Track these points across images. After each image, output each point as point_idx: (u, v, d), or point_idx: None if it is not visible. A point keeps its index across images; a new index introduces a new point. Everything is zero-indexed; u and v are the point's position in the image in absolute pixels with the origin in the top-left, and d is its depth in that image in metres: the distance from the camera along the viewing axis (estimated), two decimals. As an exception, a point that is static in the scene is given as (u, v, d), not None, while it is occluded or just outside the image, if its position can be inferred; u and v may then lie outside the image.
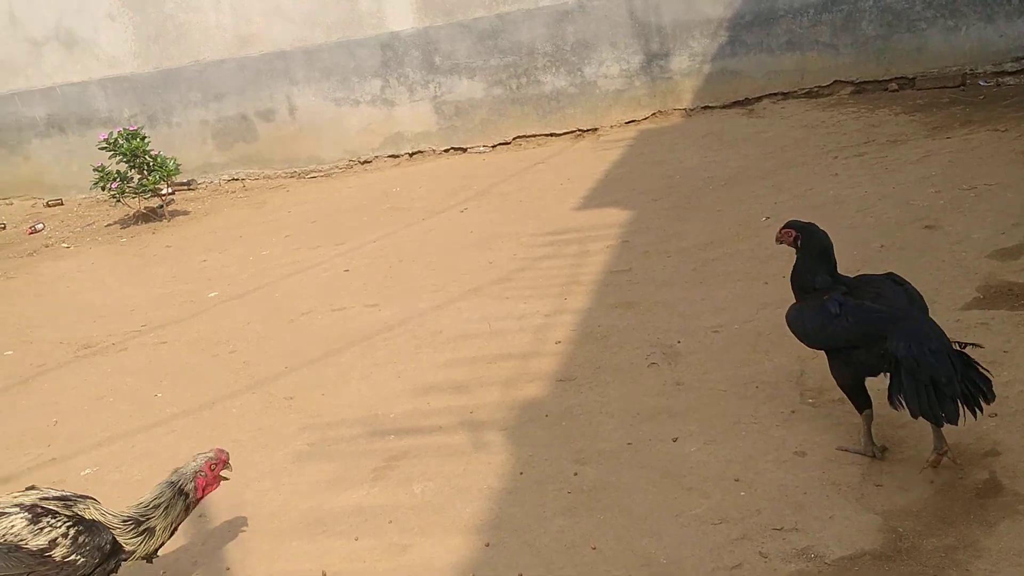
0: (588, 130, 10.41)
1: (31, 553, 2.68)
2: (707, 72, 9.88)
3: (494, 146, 10.76)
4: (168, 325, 6.58)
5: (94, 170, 9.74)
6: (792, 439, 3.75)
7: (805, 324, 3.55)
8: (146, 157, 9.66)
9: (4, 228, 10.71)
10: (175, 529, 3.09)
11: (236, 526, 3.75)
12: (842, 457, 3.55)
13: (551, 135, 10.55)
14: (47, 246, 9.77)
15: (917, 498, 3.23)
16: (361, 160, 11.16)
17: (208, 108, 11.19)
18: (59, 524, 2.77)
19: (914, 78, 9.03)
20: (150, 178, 9.71)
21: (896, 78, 9.11)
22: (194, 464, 3.11)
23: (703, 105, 9.99)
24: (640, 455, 3.85)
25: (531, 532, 3.44)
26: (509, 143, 10.71)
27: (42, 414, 5.28)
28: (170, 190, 10.61)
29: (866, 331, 3.28)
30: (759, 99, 9.66)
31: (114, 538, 2.90)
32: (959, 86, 8.75)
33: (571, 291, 5.88)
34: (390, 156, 11.06)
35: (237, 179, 11.33)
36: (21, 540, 2.68)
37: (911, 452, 3.50)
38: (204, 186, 11.32)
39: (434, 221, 8.36)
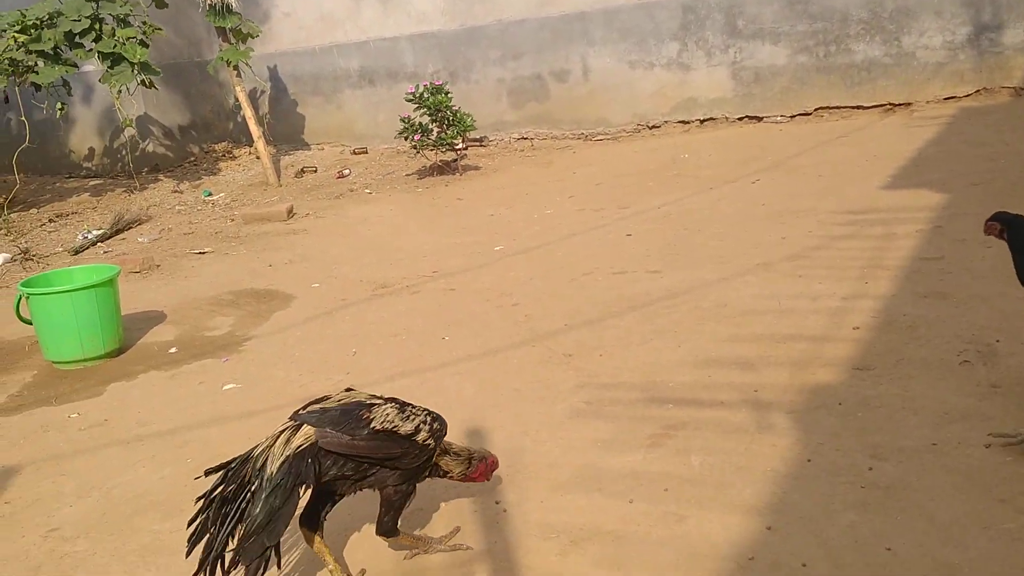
0: (900, 104, 9.65)
1: (403, 436, 3.03)
2: (1049, 46, 8.80)
3: (792, 116, 10.26)
4: (456, 273, 6.84)
5: (400, 120, 10.32)
6: None
7: None
8: (447, 112, 10.08)
9: (316, 171, 11.64)
10: (448, 474, 3.29)
11: (514, 470, 3.81)
12: None
13: (857, 108, 9.89)
14: (352, 190, 10.50)
15: None
16: (649, 125, 11.03)
17: (505, 67, 11.49)
18: (419, 413, 3.13)
19: None
20: (448, 132, 10.14)
21: None
22: (482, 454, 3.37)
23: (1039, 83, 8.93)
24: (946, 458, 3.48)
25: (817, 523, 3.20)
26: (810, 114, 10.16)
27: (343, 344, 5.66)
28: (464, 145, 11.04)
29: None
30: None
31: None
32: None
33: (873, 275, 5.45)
34: (680, 122, 10.85)
35: (526, 138, 11.58)
36: (395, 426, 3.02)
37: None
38: (495, 143, 11.67)
39: (723, 191, 8.09)
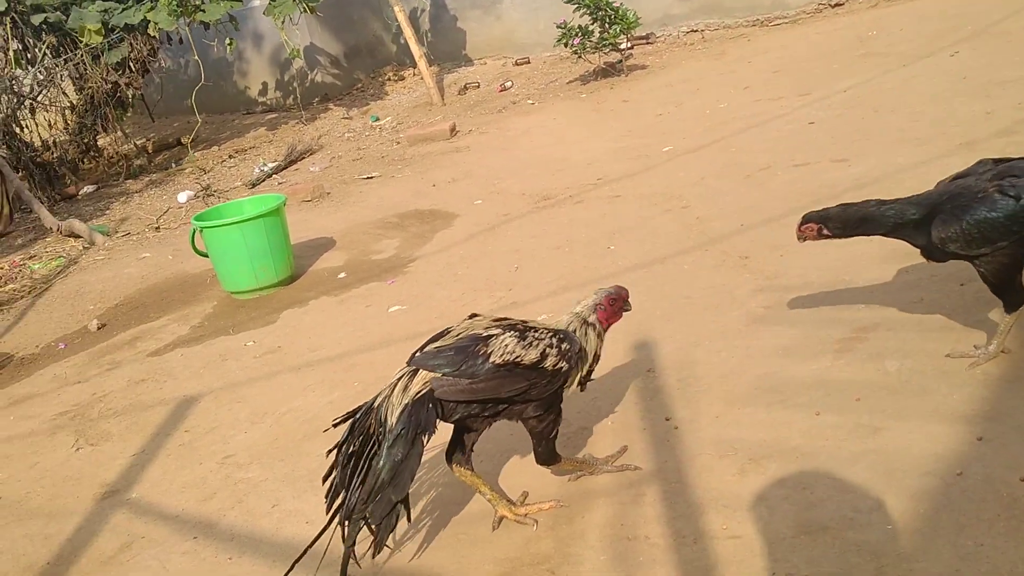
0: None
1: (527, 367, 2.74)
2: None
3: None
4: (622, 179, 6.49)
5: (557, 27, 9.91)
6: None
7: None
8: (608, 10, 9.57)
9: (478, 87, 11.43)
10: (597, 356, 2.97)
11: (685, 384, 3.52)
12: None
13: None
14: (514, 103, 10.23)
15: None
16: (832, 3, 10.10)
17: (669, -44, 10.78)
18: (543, 335, 2.80)
19: None
20: (611, 31, 9.64)
21: None
22: (594, 298, 3.03)
23: None
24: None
25: (1040, 432, 2.75)
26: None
27: (506, 260, 5.48)
28: (629, 44, 10.50)
29: None
30: None
31: (580, 346, 2.90)
32: None
33: (1101, 146, 4.70)
34: (872, -7, 9.84)
35: (696, 30, 10.88)
36: (517, 357, 2.72)
37: None
38: (662, 39, 11.04)
39: (917, 67, 7.27)
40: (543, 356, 2.76)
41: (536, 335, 2.80)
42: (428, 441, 2.71)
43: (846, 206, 3.33)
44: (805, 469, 2.85)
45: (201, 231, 5.92)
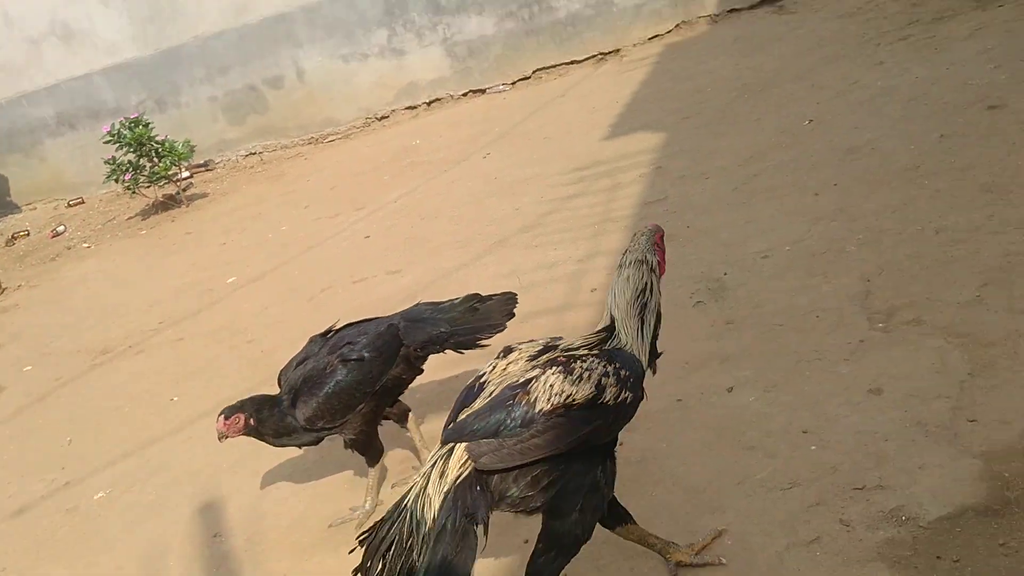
0: (610, 52, 9.79)
1: (585, 408, 2.24)
2: (730, -28, 9.16)
3: (514, 82, 10.20)
4: (186, 319, 6.25)
5: (105, 163, 9.44)
6: (864, 375, 3.25)
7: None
8: (152, 144, 9.30)
9: (28, 235, 10.49)
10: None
11: (254, 543, 3.38)
12: (926, 389, 3.05)
13: (572, 63, 9.95)
14: (69, 248, 9.52)
15: (1021, 433, 2.73)
16: (378, 116, 10.69)
17: (214, 83, 10.77)
18: (594, 365, 2.30)
19: (957, -56, 8.20)
20: (161, 164, 9.37)
21: (937, -53, 8.30)
22: (645, 238, 2.54)
23: (729, 8, 9.30)
24: (692, 412, 3.39)
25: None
26: (529, 77, 10.13)
27: (57, 433, 4.99)
28: (187, 173, 10.28)
29: None
30: (790, -8, 8.93)
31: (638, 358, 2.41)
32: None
33: (604, 230, 5.39)
34: (407, 108, 10.57)
35: (254, 153, 10.95)
36: (568, 397, 2.23)
37: (1006, 375, 2.99)
38: (222, 164, 10.95)
39: (456, 171, 7.89)
40: (600, 389, 2.27)
41: (584, 364, 2.30)
42: (482, 535, 2.22)
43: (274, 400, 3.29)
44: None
45: None
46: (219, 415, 3.19)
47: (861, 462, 2.82)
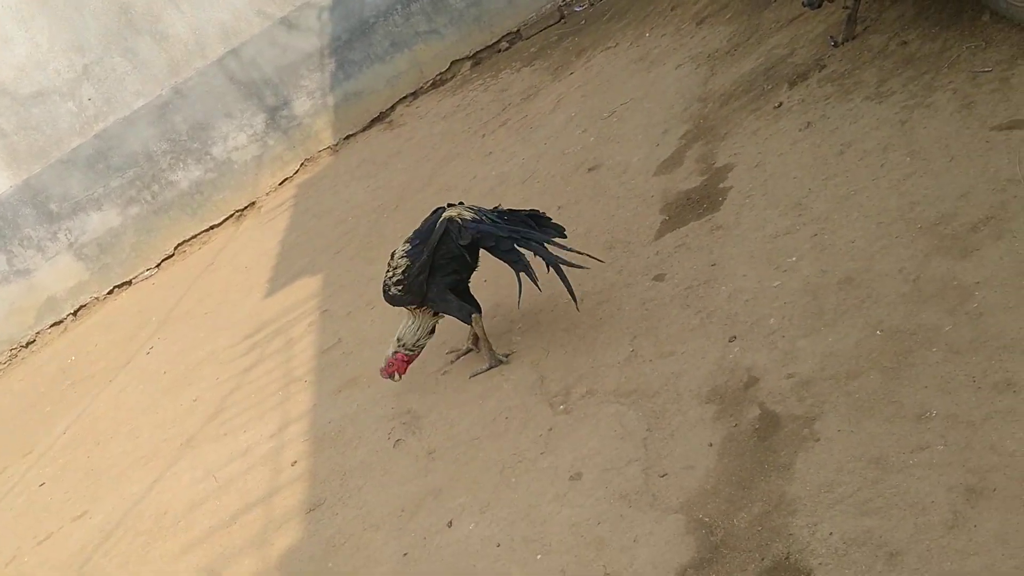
0: (246, 207, 9.70)
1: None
2: (333, 103, 9.45)
3: (159, 264, 9.78)
4: None
5: None
6: (562, 463, 3.39)
7: None
8: None
9: None
10: None
11: None
12: (616, 458, 3.23)
13: (211, 228, 9.73)
14: None
15: (705, 472, 2.95)
16: (23, 343, 9.79)
17: None
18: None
19: (518, 30, 9.05)
20: None
21: (503, 36, 9.10)
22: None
23: (345, 135, 9.57)
24: (420, 563, 3.35)
25: None
26: (172, 255, 9.77)
27: None
28: None
29: None
30: (393, 108, 9.37)
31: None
32: (560, 20, 8.84)
33: (290, 393, 5.27)
34: (52, 325, 9.78)
35: None
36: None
37: (677, 420, 3.24)
38: None
39: (122, 378, 7.38)
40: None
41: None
42: None
43: None
44: None
45: None
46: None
47: (584, 555, 2.92)
